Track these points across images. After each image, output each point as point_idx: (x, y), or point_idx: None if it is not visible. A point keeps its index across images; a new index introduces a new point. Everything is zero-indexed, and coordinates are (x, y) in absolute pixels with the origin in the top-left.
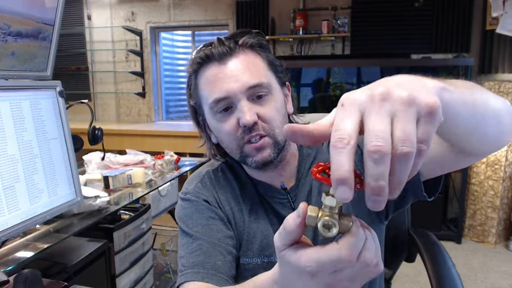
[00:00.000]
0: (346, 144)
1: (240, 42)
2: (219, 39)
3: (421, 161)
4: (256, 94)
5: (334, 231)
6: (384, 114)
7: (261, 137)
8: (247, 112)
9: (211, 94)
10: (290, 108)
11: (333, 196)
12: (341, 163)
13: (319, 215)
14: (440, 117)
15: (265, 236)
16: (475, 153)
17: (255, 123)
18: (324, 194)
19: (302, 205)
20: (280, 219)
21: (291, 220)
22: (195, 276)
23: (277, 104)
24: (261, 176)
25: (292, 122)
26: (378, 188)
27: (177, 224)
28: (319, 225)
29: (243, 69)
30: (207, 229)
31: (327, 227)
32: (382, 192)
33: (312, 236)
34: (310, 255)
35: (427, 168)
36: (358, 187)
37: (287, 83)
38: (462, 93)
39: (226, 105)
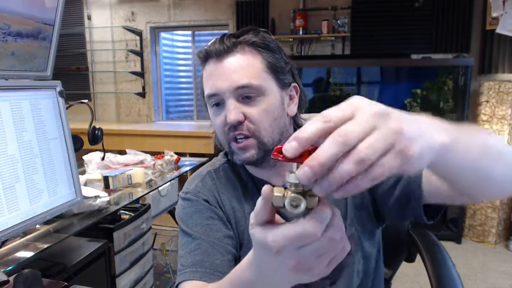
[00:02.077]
0: (324, 121)
1: (240, 39)
2: (221, 37)
3: (365, 181)
4: (244, 94)
5: (302, 206)
6: (370, 122)
7: (246, 137)
8: (232, 111)
9: (206, 89)
10: (292, 111)
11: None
12: (307, 128)
13: (285, 194)
14: (411, 165)
15: None
16: (478, 197)
17: (240, 122)
18: (287, 173)
19: (265, 187)
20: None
21: (257, 202)
22: (193, 275)
23: (268, 106)
24: (261, 174)
25: (296, 125)
26: (316, 160)
27: (177, 223)
28: (287, 203)
29: (235, 69)
30: (206, 229)
31: (295, 203)
32: (316, 166)
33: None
34: (276, 231)
35: (428, 195)
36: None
37: (294, 84)
38: (468, 151)
39: (217, 101)
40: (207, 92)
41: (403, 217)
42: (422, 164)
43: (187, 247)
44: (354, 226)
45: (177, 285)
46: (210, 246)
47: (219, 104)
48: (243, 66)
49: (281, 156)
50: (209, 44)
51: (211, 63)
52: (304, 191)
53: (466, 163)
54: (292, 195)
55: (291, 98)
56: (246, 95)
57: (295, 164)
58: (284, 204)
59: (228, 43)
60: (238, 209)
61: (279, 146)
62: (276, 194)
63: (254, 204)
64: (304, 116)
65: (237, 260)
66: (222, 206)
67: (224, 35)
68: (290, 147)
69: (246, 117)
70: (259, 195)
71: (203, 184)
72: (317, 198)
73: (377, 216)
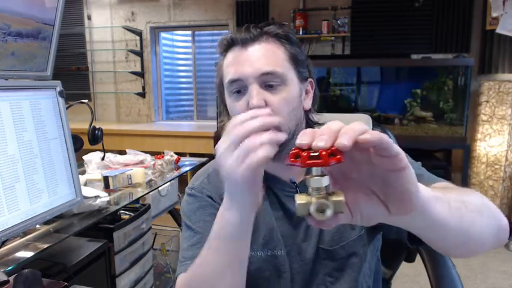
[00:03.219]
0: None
1: (265, 29)
2: (246, 26)
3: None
4: (268, 82)
5: (329, 212)
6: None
7: None
8: (254, 97)
9: (228, 75)
10: (308, 105)
11: (319, 176)
12: (332, 125)
13: (309, 200)
14: (410, 175)
15: (269, 230)
16: (458, 255)
17: (261, 108)
18: (308, 178)
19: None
20: (286, 212)
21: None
22: None
23: (289, 95)
24: (268, 167)
25: (308, 119)
26: (354, 131)
27: (177, 224)
28: (313, 211)
29: (260, 56)
30: (209, 224)
31: (320, 210)
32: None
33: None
34: None
35: None
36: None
37: (310, 79)
38: (450, 207)
39: (239, 88)
40: (229, 77)
41: (389, 234)
42: (414, 187)
43: (189, 241)
44: (364, 228)
45: (177, 276)
46: None
47: (240, 91)
48: (267, 55)
49: (298, 161)
50: (232, 32)
51: (236, 50)
52: (328, 194)
53: (449, 218)
54: (319, 201)
55: (306, 92)
56: (269, 82)
57: (314, 168)
58: (309, 212)
59: (254, 32)
60: None
61: (293, 151)
62: (298, 201)
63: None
64: (323, 116)
65: None
66: None
67: (249, 25)
68: (321, 139)
69: (266, 104)
70: (266, 188)
71: (208, 180)
72: (343, 200)
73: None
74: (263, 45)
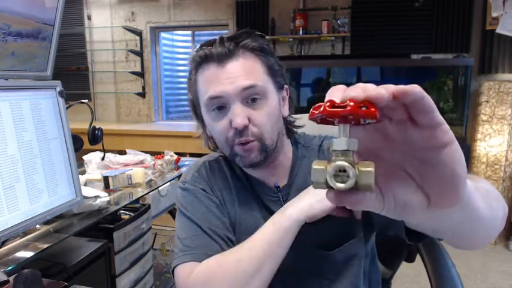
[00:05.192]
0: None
1: (241, 44)
2: (220, 39)
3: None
4: (250, 97)
5: (351, 174)
6: None
7: (249, 141)
8: (238, 115)
9: (207, 92)
10: (286, 111)
11: (344, 137)
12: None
13: (328, 166)
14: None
15: (256, 229)
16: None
17: (246, 126)
18: (332, 140)
19: None
20: (271, 215)
21: None
22: (205, 257)
23: (270, 108)
24: (254, 172)
25: (288, 124)
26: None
27: (174, 220)
28: (329, 175)
29: (239, 72)
30: (206, 215)
31: (341, 173)
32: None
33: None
34: None
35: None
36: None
37: (286, 86)
38: (482, 196)
39: (220, 105)
40: (209, 94)
41: (388, 229)
42: (460, 161)
43: (189, 231)
44: (362, 230)
45: (177, 264)
46: (213, 233)
47: (221, 108)
48: (247, 70)
49: (317, 113)
50: (203, 47)
51: (212, 67)
52: (355, 162)
53: (484, 209)
54: (337, 163)
55: (283, 99)
56: (252, 97)
57: (342, 129)
58: (326, 180)
59: (229, 46)
60: (228, 200)
61: (316, 106)
62: (314, 166)
63: (246, 198)
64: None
65: (234, 243)
66: (216, 195)
67: (222, 37)
68: (353, 90)
69: (250, 121)
70: (252, 190)
71: (199, 174)
72: (372, 170)
73: (370, 222)
74: (241, 61)
